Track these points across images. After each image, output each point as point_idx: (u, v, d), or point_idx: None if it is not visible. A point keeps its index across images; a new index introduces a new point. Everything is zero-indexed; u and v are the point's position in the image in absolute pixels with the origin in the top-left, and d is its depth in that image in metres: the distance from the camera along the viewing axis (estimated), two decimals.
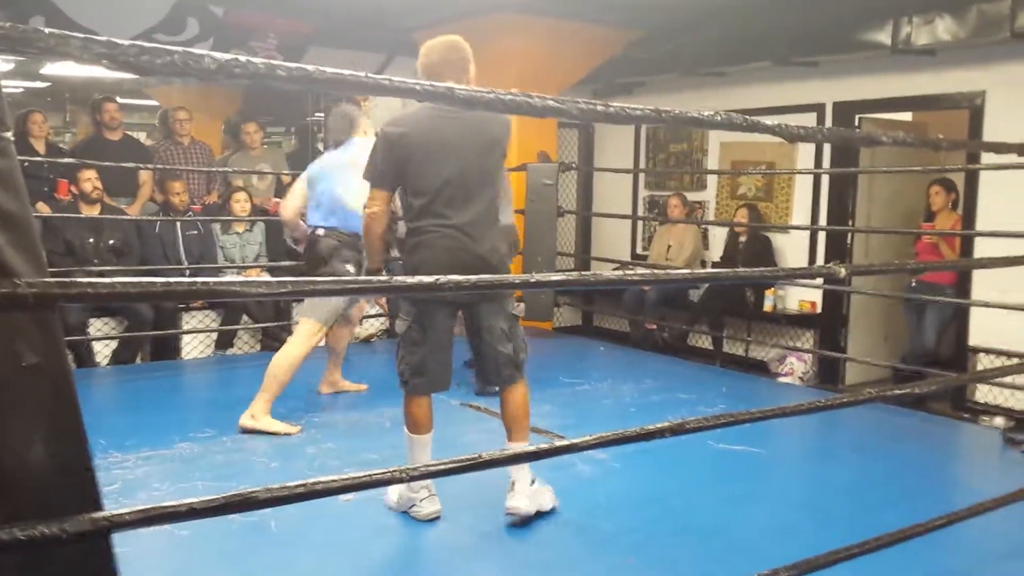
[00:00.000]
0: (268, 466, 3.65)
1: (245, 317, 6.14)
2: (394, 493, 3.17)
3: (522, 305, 3.14)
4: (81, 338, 5.43)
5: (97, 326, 5.66)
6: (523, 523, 3.08)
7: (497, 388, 3.20)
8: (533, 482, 3.12)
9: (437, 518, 3.12)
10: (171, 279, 1.23)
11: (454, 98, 1.39)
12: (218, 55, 1.20)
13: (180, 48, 1.16)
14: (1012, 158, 3.03)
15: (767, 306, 6.81)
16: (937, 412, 5.42)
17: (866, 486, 3.69)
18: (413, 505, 3.14)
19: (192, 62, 1.15)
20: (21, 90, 10.23)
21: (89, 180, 5.64)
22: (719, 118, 1.78)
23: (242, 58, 1.20)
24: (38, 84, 9.97)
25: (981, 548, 3.02)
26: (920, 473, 3.91)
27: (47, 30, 1.06)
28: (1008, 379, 5.11)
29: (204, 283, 1.25)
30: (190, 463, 3.69)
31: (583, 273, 1.74)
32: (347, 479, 1.58)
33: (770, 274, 3.15)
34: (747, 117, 1.80)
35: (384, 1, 6.44)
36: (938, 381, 3.21)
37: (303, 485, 1.52)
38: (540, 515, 3.14)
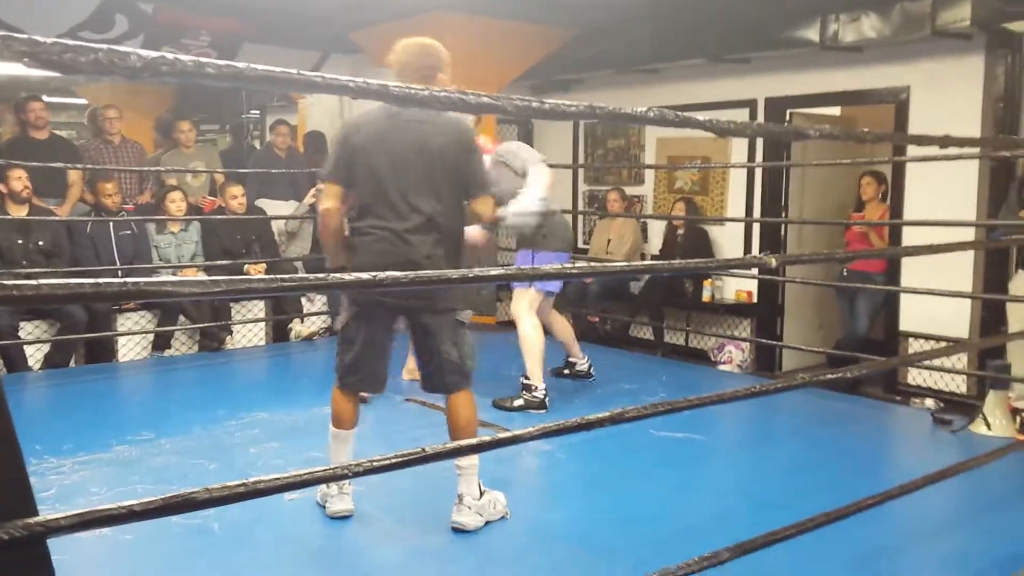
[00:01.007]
0: (208, 468, 3.60)
1: (182, 318, 6.03)
2: (318, 490, 3.18)
3: (469, 312, 3.11)
4: (12, 342, 5.27)
5: (28, 329, 5.50)
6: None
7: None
8: (483, 494, 3.08)
9: (348, 516, 3.10)
10: (100, 280, 1.22)
11: (388, 95, 1.39)
12: (145, 53, 1.18)
13: (105, 46, 1.14)
14: (934, 150, 3.14)
15: (705, 296, 6.93)
16: (870, 396, 5.60)
17: (802, 469, 3.80)
18: (326, 501, 3.13)
19: (117, 60, 1.13)
20: None
21: (20, 179, 5.48)
22: (652, 114, 1.82)
23: (169, 56, 1.19)
24: None
25: (912, 525, 3.13)
26: (854, 454, 4.03)
27: None
28: (937, 362, 5.29)
29: (135, 283, 1.23)
30: (128, 467, 3.62)
31: (522, 267, 1.76)
32: (289, 477, 1.58)
33: (704, 265, 3.21)
34: (679, 113, 1.84)
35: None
36: (868, 365, 3.31)
37: (244, 484, 1.51)
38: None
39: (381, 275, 1.45)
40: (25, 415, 4.48)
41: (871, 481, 2.97)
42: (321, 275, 1.41)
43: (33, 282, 1.19)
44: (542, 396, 4.54)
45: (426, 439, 1.83)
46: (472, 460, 3.01)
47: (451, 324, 3.03)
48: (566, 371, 5.24)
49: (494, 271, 1.74)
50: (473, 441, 1.83)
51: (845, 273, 6.14)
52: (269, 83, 1.31)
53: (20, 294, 1.17)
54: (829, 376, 2.77)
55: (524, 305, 4.63)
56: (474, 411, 3.09)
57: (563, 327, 5.16)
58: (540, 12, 6.88)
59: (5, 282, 1.15)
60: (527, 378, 4.59)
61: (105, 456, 3.74)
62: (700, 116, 1.94)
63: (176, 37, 6.67)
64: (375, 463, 1.76)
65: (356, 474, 1.75)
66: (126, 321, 5.91)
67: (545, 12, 6.88)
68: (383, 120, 2.99)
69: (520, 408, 4.52)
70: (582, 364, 5.25)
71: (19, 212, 5.52)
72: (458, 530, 3.01)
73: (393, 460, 1.78)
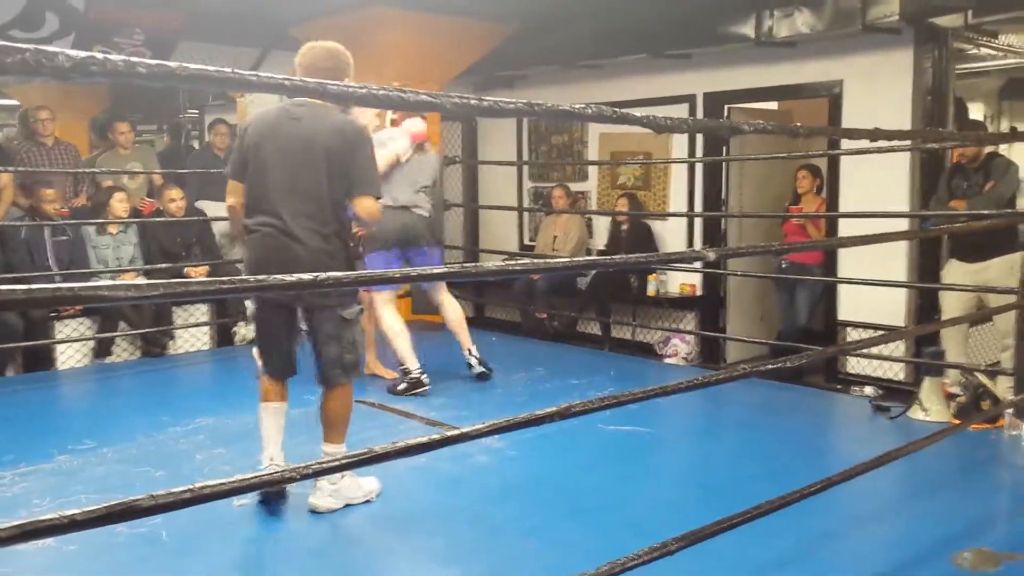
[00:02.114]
0: (154, 475, 3.53)
1: (123, 323, 5.90)
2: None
3: (357, 307, 3.20)
4: None
5: None
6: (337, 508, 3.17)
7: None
8: (342, 477, 3.16)
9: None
10: (34, 286, 1.19)
11: (325, 94, 1.39)
12: (73, 52, 1.16)
13: (32, 46, 1.12)
14: (867, 143, 3.23)
15: (650, 291, 7.01)
16: (812, 385, 5.73)
17: (747, 458, 3.87)
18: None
19: (45, 60, 1.11)
20: None
21: None
22: (590, 111, 1.84)
23: (99, 56, 1.17)
24: None
25: (854, 510, 3.22)
26: (797, 443, 4.12)
27: None
28: (875, 350, 5.43)
29: (70, 288, 1.21)
30: (71, 476, 3.54)
31: (465, 265, 1.75)
32: (235, 482, 1.56)
33: (646, 260, 3.25)
34: (617, 110, 1.86)
35: None
36: (808, 355, 3.38)
37: (190, 490, 1.49)
38: (350, 507, 3.19)
39: (322, 276, 1.44)
40: None
41: (814, 468, 3.04)
42: (261, 276, 1.39)
43: None
44: (418, 375, 4.78)
45: (376, 440, 1.83)
46: (338, 448, 3.11)
47: (332, 319, 3.11)
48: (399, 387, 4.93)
49: (438, 269, 1.74)
50: (423, 439, 1.83)
51: (784, 265, 6.26)
52: (203, 82, 1.30)
53: None
54: (770, 366, 2.82)
55: (380, 302, 4.88)
56: (346, 406, 3.19)
57: (453, 314, 5.16)
58: (482, 7, 6.88)
59: None
60: (401, 364, 4.84)
61: (47, 466, 3.65)
62: (641, 112, 1.97)
63: (109, 35, 6.51)
64: (324, 464, 1.76)
65: (304, 476, 1.75)
66: (64, 328, 5.75)
67: (487, 7, 6.88)
68: (273, 118, 3.11)
69: (404, 392, 4.76)
70: (470, 357, 5.15)
71: None
72: (313, 512, 3.12)
73: (343, 461, 1.78)
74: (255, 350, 3.30)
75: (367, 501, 3.23)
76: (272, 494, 3.15)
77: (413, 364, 4.80)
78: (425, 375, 4.80)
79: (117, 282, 1.11)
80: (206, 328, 6.36)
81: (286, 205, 3.02)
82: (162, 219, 6.17)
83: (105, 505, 1.39)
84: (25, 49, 1.14)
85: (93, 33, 6.40)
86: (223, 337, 6.46)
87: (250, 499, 3.17)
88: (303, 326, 3.20)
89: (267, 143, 3.06)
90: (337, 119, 3.12)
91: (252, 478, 1.60)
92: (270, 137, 3.06)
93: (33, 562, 2.71)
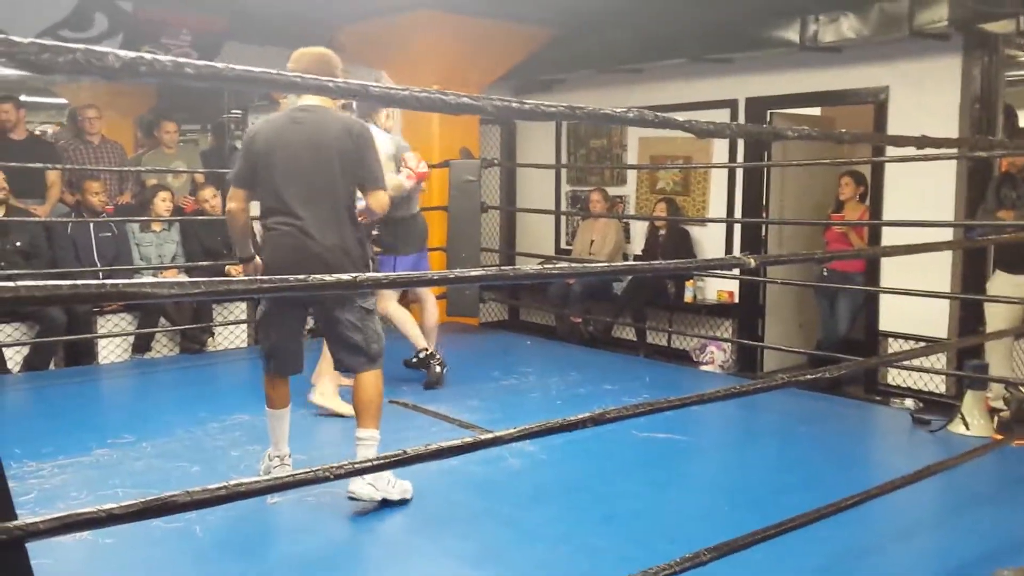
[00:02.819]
0: (190, 471, 3.58)
1: (163, 320, 5.99)
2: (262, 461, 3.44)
3: (373, 299, 3.29)
4: None
5: (7, 331, 5.45)
6: (370, 509, 3.19)
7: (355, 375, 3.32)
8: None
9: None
10: (79, 281, 1.21)
11: (367, 95, 1.39)
12: (123, 53, 1.18)
13: (83, 46, 1.13)
14: (913, 150, 3.17)
15: (687, 297, 6.96)
16: (851, 396, 5.63)
17: (784, 468, 3.82)
18: (270, 472, 3.34)
19: (95, 60, 1.13)
20: None
21: None
22: (632, 115, 1.82)
23: (148, 56, 1.18)
24: None
25: (891, 524, 3.16)
26: (834, 454, 4.06)
27: None
28: (916, 362, 5.34)
29: (114, 285, 1.22)
30: (109, 470, 3.60)
31: (502, 268, 1.75)
32: (269, 480, 1.57)
33: (685, 266, 3.23)
34: (658, 114, 1.85)
35: None
36: (848, 365, 3.33)
37: (224, 487, 1.51)
38: (387, 504, 3.21)
39: (362, 277, 1.45)
40: (4, 418, 4.46)
41: (851, 481, 2.99)
42: (301, 276, 1.40)
43: (10, 284, 1.18)
44: (430, 353, 5.04)
45: (410, 441, 1.83)
46: (371, 432, 3.19)
47: (355, 310, 3.21)
48: (414, 360, 5.11)
49: (474, 272, 1.74)
50: (456, 442, 1.83)
51: (825, 273, 6.18)
52: (248, 83, 1.31)
53: None
54: (809, 376, 2.78)
55: (384, 297, 4.87)
56: (378, 390, 3.26)
57: (402, 318, 5.09)
58: (523, 12, 6.89)
59: None
60: (416, 348, 5.02)
61: (86, 459, 3.70)
62: (682, 116, 1.96)
63: (156, 36, 6.62)
64: (357, 465, 1.77)
65: (338, 476, 1.75)
66: (106, 323, 5.86)
67: (528, 12, 6.89)
68: (279, 124, 3.24)
69: (416, 366, 5.03)
70: (423, 354, 5.10)
71: None
72: (352, 498, 3.16)
73: (375, 462, 1.79)
74: (261, 352, 3.40)
75: (403, 500, 3.25)
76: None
77: (422, 343, 5.01)
78: (438, 356, 5.02)
79: (160, 279, 1.13)
80: (244, 325, 6.44)
81: (303, 205, 3.14)
82: (203, 217, 6.26)
83: (142, 500, 1.41)
84: (76, 49, 1.15)
85: (141, 34, 6.52)
86: None
87: (282, 497, 3.19)
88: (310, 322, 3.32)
89: (277, 149, 3.17)
90: (343, 119, 3.26)
91: (286, 477, 1.61)
92: (279, 143, 3.17)
93: (72, 554, 2.75)
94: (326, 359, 4.20)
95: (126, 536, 2.72)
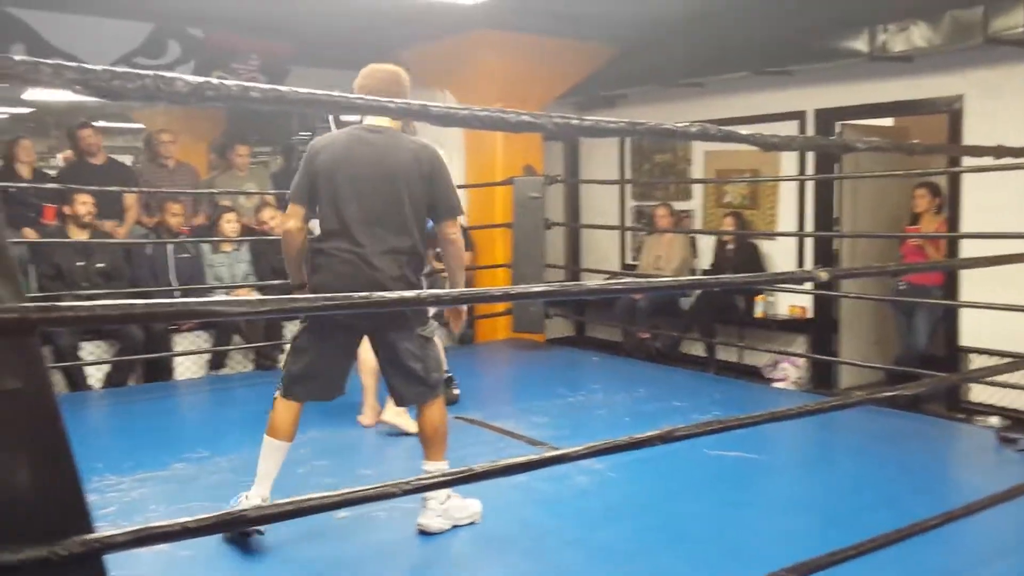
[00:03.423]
0: None
1: (237, 337, 6.13)
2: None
3: (434, 324, 3.15)
4: (72, 364, 5.41)
5: (89, 349, 5.64)
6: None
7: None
8: (449, 497, 3.14)
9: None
10: (152, 300, 1.24)
11: (428, 116, 1.40)
12: (190, 78, 1.21)
13: (152, 72, 1.17)
14: (989, 160, 3.06)
15: (758, 312, 6.83)
16: (932, 413, 5.44)
17: (861, 488, 3.70)
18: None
19: (164, 86, 1.16)
20: (5, 116, 10.23)
21: (85, 204, 5.65)
22: (693, 129, 1.80)
23: (215, 81, 1.21)
24: (21, 110, 9.97)
25: (976, 547, 3.03)
26: (916, 474, 3.92)
27: (17, 57, 1.07)
28: (1002, 378, 5.12)
29: (184, 303, 1.25)
30: (185, 484, 3.68)
31: (564, 284, 1.72)
32: (336, 496, 1.58)
33: (753, 280, 3.16)
34: (721, 128, 1.82)
35: (365, 20, 6.47)
36: (928, 382, 3.22)
37: (292, 503, 1.52)
38: (457, 528, 3.15)
39: (425, 293, 1.45)
40: (86, 433, 4.60)
41: (933, 501, 2.89)
42: (364, 294, 1.41)
43: (88, 303, 1.22)
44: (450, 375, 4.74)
45: (477, 458, 1.83)
46: (439, 465, 3.06)
47: (414, 339, 3.05)
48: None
49: (537, 287, 1.73)
50: (523, 459, 1.81)
51: (902, 287, 6.00)
52: (312, 105, 1.33)
53: (75, 315, 1.20)
54: (887, 393, 2.69)
55: None
56: (443, 419, 3.14)
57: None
58: (585, 29, 6.90)
59: (60, 304, 1.17)
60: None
61: (163, 474, 3.80)
62: (747, 129, 1.92)
63: (227, 61, 6.83)
64: (424, 480, 1.77)
65: (405, 492, 1.75)
66: (183, 340, 6.02)
67: (590, 29, 6.90)
68: (345, 143, 3.04)
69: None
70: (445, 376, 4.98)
71: (80, 235, 5.68)
72: (423, 532, 3.09)
73: (441, 478, 1.78)
74: (286, 374, 3.14)
75: (472, 523, 3.20)
76: (243, 532, 2.94)
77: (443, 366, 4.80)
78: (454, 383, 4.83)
79: (230, 298, 1.15)
80: None
81: (366, 233, 2.97)
82: (271, 237, 6.39)
83: (216, 515, 1.43)
84: (146, 75, 1.19)
85: (212, 60, 6.73)
86: None
87: (349, 513, 3.21)
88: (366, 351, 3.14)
89: (340, 168, 3.00)
90: (413, 144, 3.06)
91: (352, 492, 1.62)
92: (344, 163, 3.00)
93: (149, 567, 2.81)
94: None
95: (202, 549, 2.78)
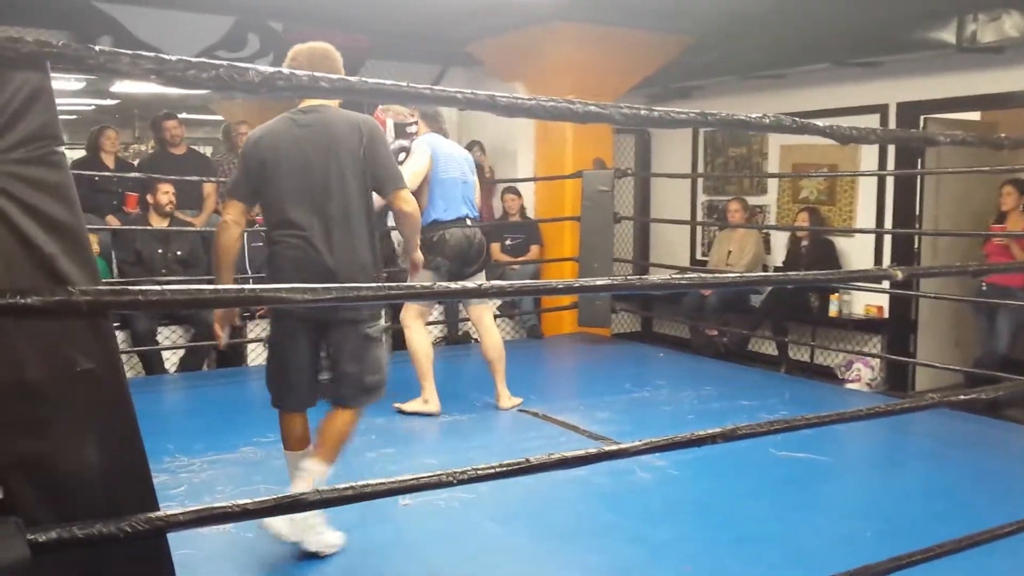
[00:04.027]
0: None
1: None
2: (284, 523, 2.81)
3: (381, 324, 2.97)
4: (148, 348, 5.60)
5: (165, 334, 5.83)
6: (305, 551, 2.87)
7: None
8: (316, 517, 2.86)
9: (336, 552, 2.90)
10: (219, 286, 1.27)
11: (495, 107, 1.40)
12: (262, 68, 1.23)
13: (225, 63, 1.20)
14: None
15: (832, 311, 6.67)
16: (1012, 419, 5.23)
17: (931, 494, 3.59)
18: (307, 535, 2.86)
19: (236, 76, 1.19)
20: (92, 107, 10.63)
21: (167, 193, 5.84)
22: (767, 120, 1.76)
23: (285, 71, 1.24)
24: (107, 102, 10.35)
25: None
26: (989, 481, 3.78)
27: (96, 48, 1.11)
28: None
29: (251, 290, 1.28)
30: (253, 467, 3.77)
31: (628, 277, 1.70)
32: (394, 482, 1.60)
33: (825, 277, 3.08)
34: (796, 119, 1.77)
35: (439, 14, 6.52)
36: (1007, 385, 3.09)
37: (351, 488, 1.55)
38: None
39: (486, 285, 1.46)
40: (160, 415, 4.75)
41: (1007, 509, 2.77)
42: (427, 283, 1.42)
43: (158, 288, 1.26)
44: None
45: (536, 450, 1.83)
46: (322, 467, 2.86)
47: (355, 336, 2.90)
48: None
49: (601, 281, 1.71)
50: (579, 453, 1.81)
51: (984, 288, 5.78)
52: (379, 95, 1.35)
53: (145, 299, 1.24)
54: (963, 396, 2.59)
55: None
56: (353, 426, 2.95)
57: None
58: (660, 20, 6.82)
59: (131, 288, 1.21)
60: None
61: (232, 456, 3.90)
62: (825, 122, 1.87)
63: None
64: (479, 471, 1.77)
65: (461, 481, 1.76)
66: (255, 327, 6.17)
67: (665, 20, 6.81)
68: (281, 129, 2.92)
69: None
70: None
71: (161, 223, 5.86)
72: (265, 528, 2.84)
73: (498, 469, 1.79)
74: (268, 381, 3.06)
75: (317, 554, 2.86)
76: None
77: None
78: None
79: (296, 285, 1.17)
80: None
81: (308, 214, 2.84)
82: None
83: (274, 497, 1.47)
84: (219, 65, 1.22)
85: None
86: (397, 342, 6.70)
87: (413, 499, 3.25)
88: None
89: (282, 155, 2.87)
90: (349, 116, 2.94)
91: (410, 479, 1.64)
92: (284, 149, 2.88)
93: (212, 547, 2.90)
94: None
95: (264, 530, 2.85)
